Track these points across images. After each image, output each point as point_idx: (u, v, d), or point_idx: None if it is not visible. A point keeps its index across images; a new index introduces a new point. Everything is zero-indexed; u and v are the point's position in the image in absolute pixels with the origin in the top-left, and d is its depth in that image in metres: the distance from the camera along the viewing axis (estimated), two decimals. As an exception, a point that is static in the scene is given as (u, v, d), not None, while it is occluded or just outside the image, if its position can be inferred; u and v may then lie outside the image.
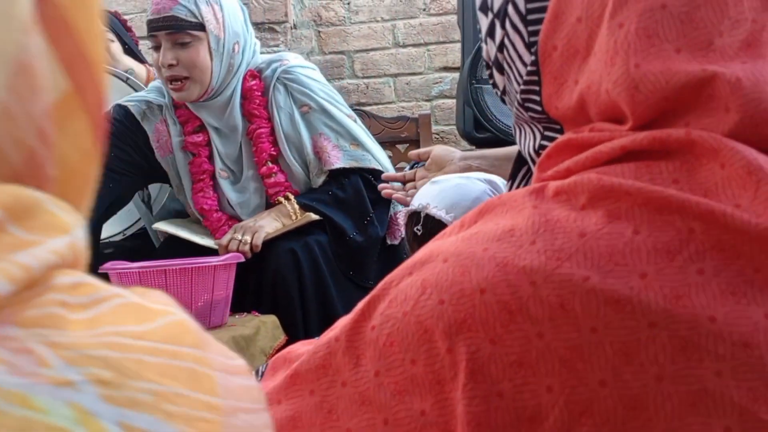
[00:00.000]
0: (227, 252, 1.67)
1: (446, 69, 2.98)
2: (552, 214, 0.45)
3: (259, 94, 1.77)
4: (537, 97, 0.54)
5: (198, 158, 1.81)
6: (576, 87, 0.50)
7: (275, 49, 2.83)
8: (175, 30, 1.65)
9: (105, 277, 1.45)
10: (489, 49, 0.58)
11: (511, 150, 1.40)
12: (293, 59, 1.84)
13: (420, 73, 2.99)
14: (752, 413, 0.40)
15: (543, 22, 0.52)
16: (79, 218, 0.27)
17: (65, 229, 0.26)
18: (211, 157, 1.82)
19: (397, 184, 1.48)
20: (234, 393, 0.27)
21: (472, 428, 0.42)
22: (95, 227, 1.78)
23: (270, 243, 1.73)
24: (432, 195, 1.20)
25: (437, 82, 2.99)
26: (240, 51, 1.73)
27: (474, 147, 2.50)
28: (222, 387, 0.27)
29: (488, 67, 0.60)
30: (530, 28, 0.54)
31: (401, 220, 1.31)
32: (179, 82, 1.68)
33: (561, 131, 0.54)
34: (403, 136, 2.47)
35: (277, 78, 1.77)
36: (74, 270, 0.26)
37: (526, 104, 0.55)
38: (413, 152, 1.53)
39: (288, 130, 1.79)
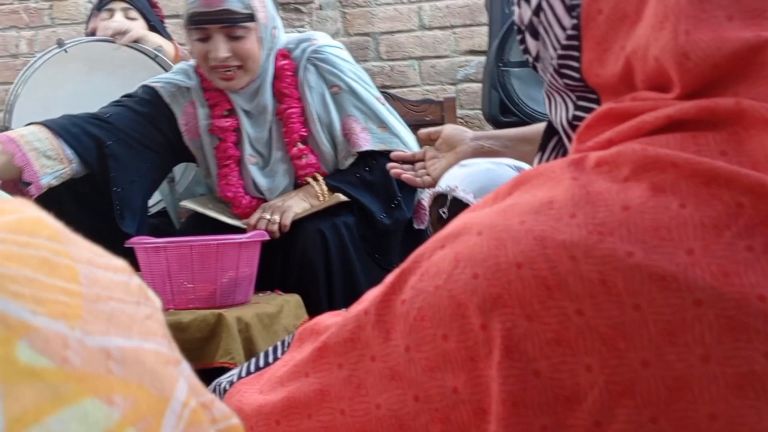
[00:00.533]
0: (255, 229, 1.66)
1: (472, 52, 2.95)
2: (593, 185, 0.43)
3: (291, 73, 1.76)
4: (575, 64, 0.51)
5: (224, 143, 1.79)
6: (622, 53, 0.47)
7: (300, 30, 2.81)
8: (230, 24, 1.63)
9: (131, 251, 1.45)
10: (522, 13, 0.56)
11: (525, 130, 1.37)
12: (322, 39, 1.82)
13: (446, 56, 2.95)
14: None
15: None
16: None
17: None
18: (238, 143, 1.80)
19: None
20: (102, 284, 0.27)
21: (507, 408, 0.41)
22: (142, 204, 1.78)
23: (298, 223, 1.71)
24: (460, 178, 1.18)
25: (463, 66, 2.96)
26: (277, 34, 1.74)
27: (499, 131, 2.46)
28: (85, 277, 0.26)
29: (520, 31, 0.57)
30: None
31: (427, 203, 1.29)
32: (231, 72, 1.67)
33: (596, 101, 0.52)
34: (427, 119, 2.44)
35: (308, 58, 1.76)
36: None
37: (562, 70, 0.53)
38: (423, 131, 1.49)
39: (320, 110, 1.77)
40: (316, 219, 1.73)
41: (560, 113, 0.55)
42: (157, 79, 1.84)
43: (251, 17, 1.65)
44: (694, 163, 0.42)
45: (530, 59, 0.57)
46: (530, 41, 0.56)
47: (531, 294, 0.42)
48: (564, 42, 0.52)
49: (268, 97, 1.75)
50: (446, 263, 0.45)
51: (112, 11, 2.19)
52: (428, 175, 1.39)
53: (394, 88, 2.89)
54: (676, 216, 0.41)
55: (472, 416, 0.43)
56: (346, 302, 1.69)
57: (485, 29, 2.68)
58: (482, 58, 2.68)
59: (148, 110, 1.77)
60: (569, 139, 0.55)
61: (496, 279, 0.43)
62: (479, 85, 2.70)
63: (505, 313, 0.42)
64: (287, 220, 1.69)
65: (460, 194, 1.16)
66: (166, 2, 3.03)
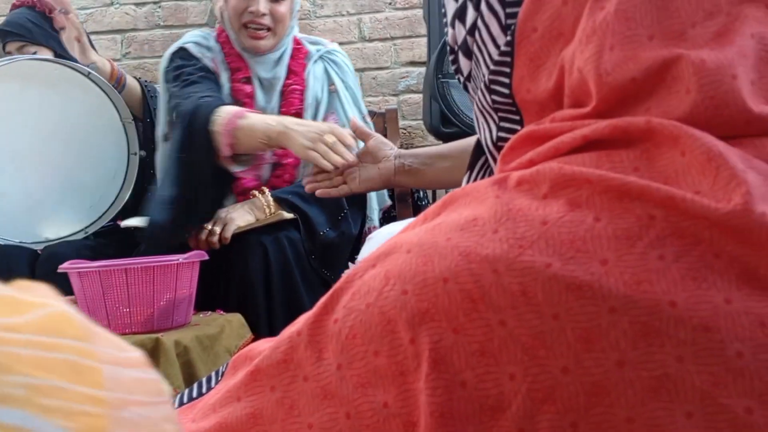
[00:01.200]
0: (196, 240, 1.68)
1: (413, 63, 2.98)
2: (514, 203, 0.45)
3: (303, 57, 1.96)
4: (506, 80, 0.53)
5: (248, 108, 1.87)
6: (555, 69, 0.49)
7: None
8: None
9: (64, 277, 1.42)
10: (457, 33, 0.57)
11: (443, 148, 1.41)
12: (336, 46, 2.05)
13: (386, 68, 2.98)
14: (713, 398, 0.40)
15: (522, 3, 0.51)
16: None
17: None
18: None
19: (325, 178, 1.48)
20: (125, 386, 0.26)
21: (435, 419, 0.42)
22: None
23: (240, 237, 1.73)
24: (366, 251, 1.22)
25: (404, 77, 2.99)
26: (296, 22, 1.97)
27: (441, 142, 2.50)
28: (110, 380, 0.26)
29: (453, 52, 0.58)
30: (508, 10, 0.53)
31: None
32: (262, 31, 1.85)
33: (518, 122, 0.54)
34: (370, 131, 2.45)
35: (321, 56, 1.97)
36: None
37: (492, 86, 0.54)
38: (356, 124, 1.49)
39: (315, 97, 1.93)
40: (258, 233, 1.75)
41: (485, 134, 0.56)
42: (183, 40, 1.97)
43: None
44: (607, 179, 0.44)
45: (461, 79, 0.59)
46: (463, 61, 0.57)
47: (457, 307, 0.43)
48: (497, 58, 0.53)
49: (283, 69, 1.93)
50: (377, 281, 0.46)
51: (10, 53, 2.15)
52: (345, 183, 1.43)
53: (335, 100, 2.90)
54: (590, 229, 0.43)
55: (402, 430, 0.44)
56: (287, 318, 1.71)
57: (425, 40, 2.71)
58: (423, 69, 2.71)
59: (191, 73, 1.89)
60: (494, 159, 0.56)
61: (423, 294, 0.44)
62: (420, 96, 2.73)
63: (432, 326, 0.43)
64: (228, 233, 1.71)
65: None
66: (100, 18, 2.98)
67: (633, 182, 0.43)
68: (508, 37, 0.52)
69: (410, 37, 2.96)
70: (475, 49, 0.56)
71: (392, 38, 2.97)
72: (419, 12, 2.89)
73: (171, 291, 1.40)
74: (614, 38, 0.46)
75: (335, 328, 0.47)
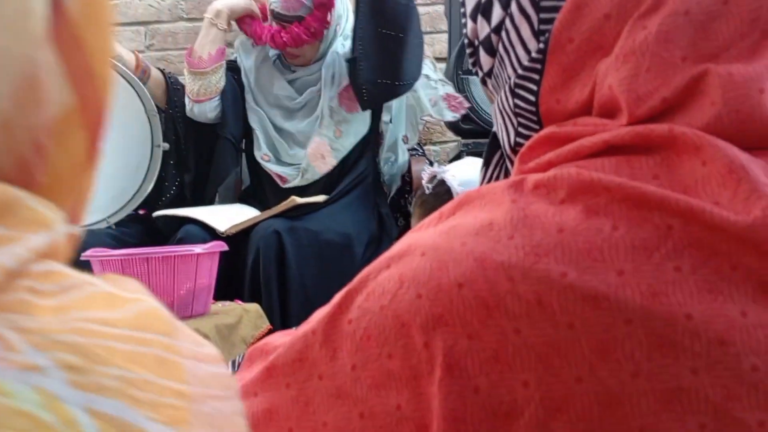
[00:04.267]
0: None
1: (433, 59, 2.97)
2: (531, 208, 0.45)
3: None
4: (534, 87, 0.52)
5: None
6: (590, 81, 0.49)
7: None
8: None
9: (87, 264, 1.44)
10: (479, 28, 0.55)
11: None
12: None
13: (407, 63, 2.97)
14: (727, 411, 0.40)
15: (559, 11, 0.50)
16: (62, 215, 0.27)
17: (47, 225, 0.26)
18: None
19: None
20: (203, 380, 0.27)
21: (448, 424, 0.42)
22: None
23: (254, 226, 1.82)
24: (456, 166, 1.38)
25: (424, 73, 2.98)
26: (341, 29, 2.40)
27: (460, 138, 2.50)
28: (191, 374, 0.27)
29: (471, 45, 0.57)
30: (542, 16, 0.51)
31: (424, 179, 1.44)
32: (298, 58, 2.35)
33: (538, 131, 0.53)
34: (390, 125, 2.46)
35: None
36: (47, 259, 0.26)
37: (518, 90, 0.53)
38: None
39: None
40: (273, 221, 1.80)
41: (503, 135, 0.56)
42: None
43: None
44: (625, 187, 0.44)
45: (480, 73, 0.58)
46: (484, 57, 0.56)
47: (471, 313, 0.43)
48: (526, 64, 0.52)
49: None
50: (391, 284, 0.46)
51: None
52: None
53: (356, 94, 2.89)
54: (608, 238, 0.43)
55: None
56: (301, 308, 1.77)
57: (445, 36, 2.70)
58: (443, 65, 2.71)
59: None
60: (511, 162, 0.56)
61: (438, 299, 0.44)
62: (440, 92, 2.72)
63: (446, 331, 0.43)
64: None
65: (448, 177, 1.37)
66: (125, 9, 3.00)
67: (652, 191, 0.43)
68: (541, 45, 0.51)
69: (431, 33, 2.96)
70: (500, 48, 0.54)
71: (414, 33, 2.96)
72: (440, 8, 2.88)
73: (191, 280, 1.42)
74: (652, 60, 0.46)
75: (350, 328, 0.47)
